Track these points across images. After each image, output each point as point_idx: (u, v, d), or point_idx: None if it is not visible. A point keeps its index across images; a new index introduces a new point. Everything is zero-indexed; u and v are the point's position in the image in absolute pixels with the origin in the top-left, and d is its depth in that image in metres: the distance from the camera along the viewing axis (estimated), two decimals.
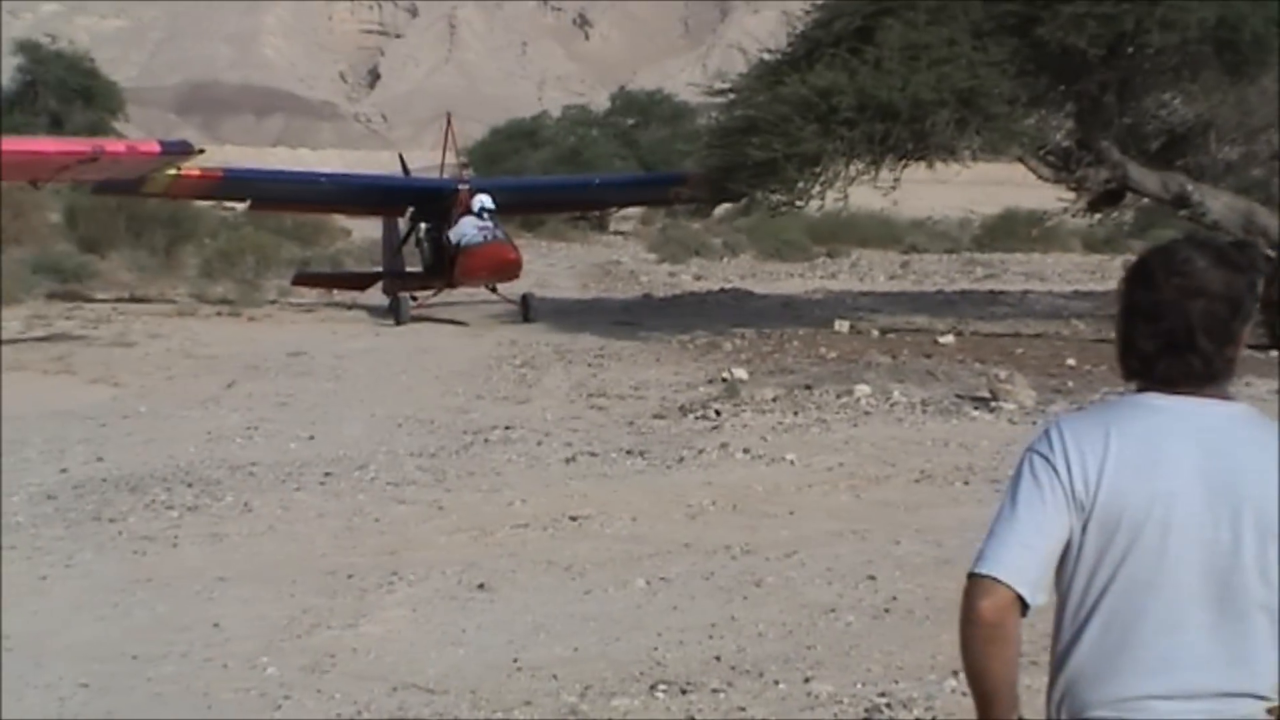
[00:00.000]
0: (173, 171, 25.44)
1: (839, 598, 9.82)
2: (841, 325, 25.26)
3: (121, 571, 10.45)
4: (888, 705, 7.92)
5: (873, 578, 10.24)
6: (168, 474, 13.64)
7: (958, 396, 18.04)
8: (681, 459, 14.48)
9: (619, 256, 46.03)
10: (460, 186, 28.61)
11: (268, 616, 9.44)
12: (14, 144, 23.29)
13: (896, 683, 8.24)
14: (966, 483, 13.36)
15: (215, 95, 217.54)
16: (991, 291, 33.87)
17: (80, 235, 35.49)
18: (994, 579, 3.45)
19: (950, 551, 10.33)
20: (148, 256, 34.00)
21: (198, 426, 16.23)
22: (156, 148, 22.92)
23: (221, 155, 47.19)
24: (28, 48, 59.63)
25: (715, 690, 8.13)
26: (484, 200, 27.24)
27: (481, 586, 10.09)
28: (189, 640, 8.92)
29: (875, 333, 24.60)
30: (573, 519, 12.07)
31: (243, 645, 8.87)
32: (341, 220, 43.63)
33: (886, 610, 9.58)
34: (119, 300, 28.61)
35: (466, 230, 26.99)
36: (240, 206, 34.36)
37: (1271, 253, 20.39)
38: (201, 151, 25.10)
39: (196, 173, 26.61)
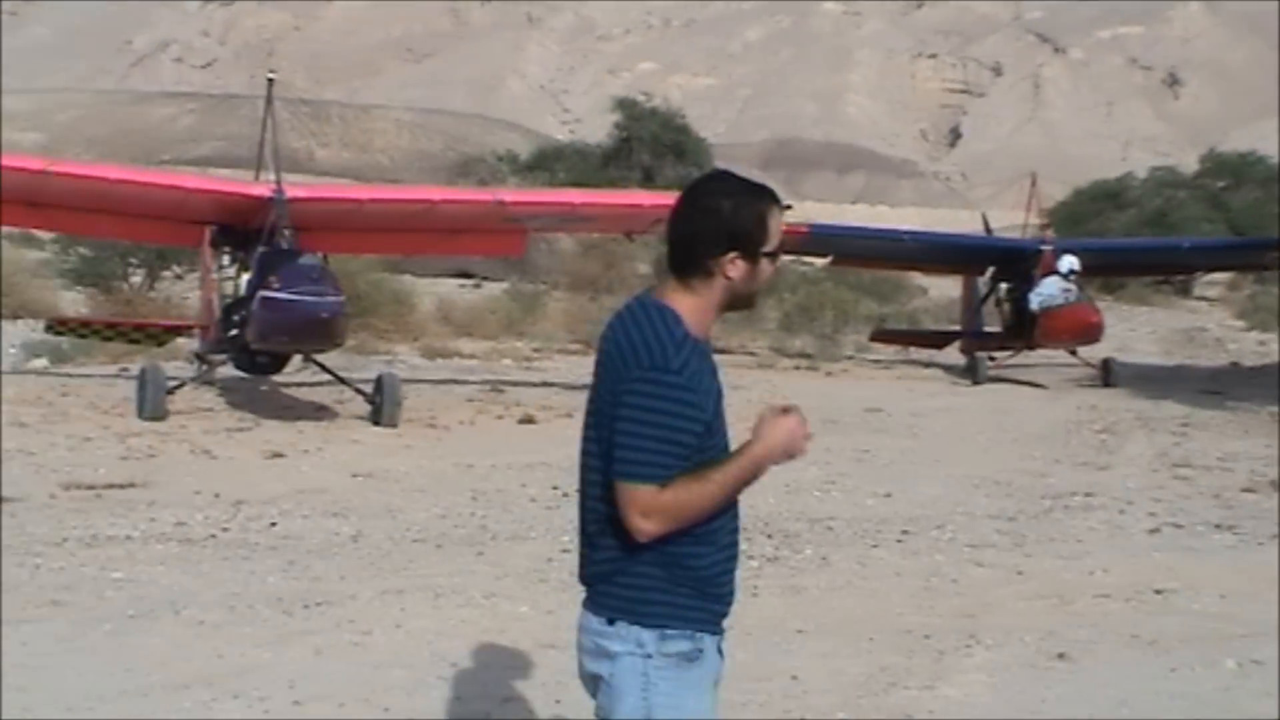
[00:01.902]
0: None
1: None
2: None
3: None
4: None
5: None
6: (748, 524, 13.80)
7: None
8: (1274, 536, 13.85)
9: (1204, 323, 44.59)
10: (1043, 247, 28.25)
11: (845, 672, 9.45)
12: (611, 198, 24.26)
13: None
14: None
15: (798, 152, 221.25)
16: None
17: None
18: None
19: None
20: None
21: (777, 478, 16.37)
22: None
23: (802, 211, 47.87)
24: (625, 105, 62.00)
25: None
26: (1071, 262, 26.80)
27: (1061, 656, 9.85)
28: (767, 690, 9.00)
29: None
30: (1157, 592, 11.68)
31: (821, 699, 8.90)
32: (919, 278, 43.67)
33: None
34: None
35: (1049, 291, 26.60)
36: (820, 262, 34.78)
37: None
38: (789, 207, 25.49)
39: (784, 228, 26.99)
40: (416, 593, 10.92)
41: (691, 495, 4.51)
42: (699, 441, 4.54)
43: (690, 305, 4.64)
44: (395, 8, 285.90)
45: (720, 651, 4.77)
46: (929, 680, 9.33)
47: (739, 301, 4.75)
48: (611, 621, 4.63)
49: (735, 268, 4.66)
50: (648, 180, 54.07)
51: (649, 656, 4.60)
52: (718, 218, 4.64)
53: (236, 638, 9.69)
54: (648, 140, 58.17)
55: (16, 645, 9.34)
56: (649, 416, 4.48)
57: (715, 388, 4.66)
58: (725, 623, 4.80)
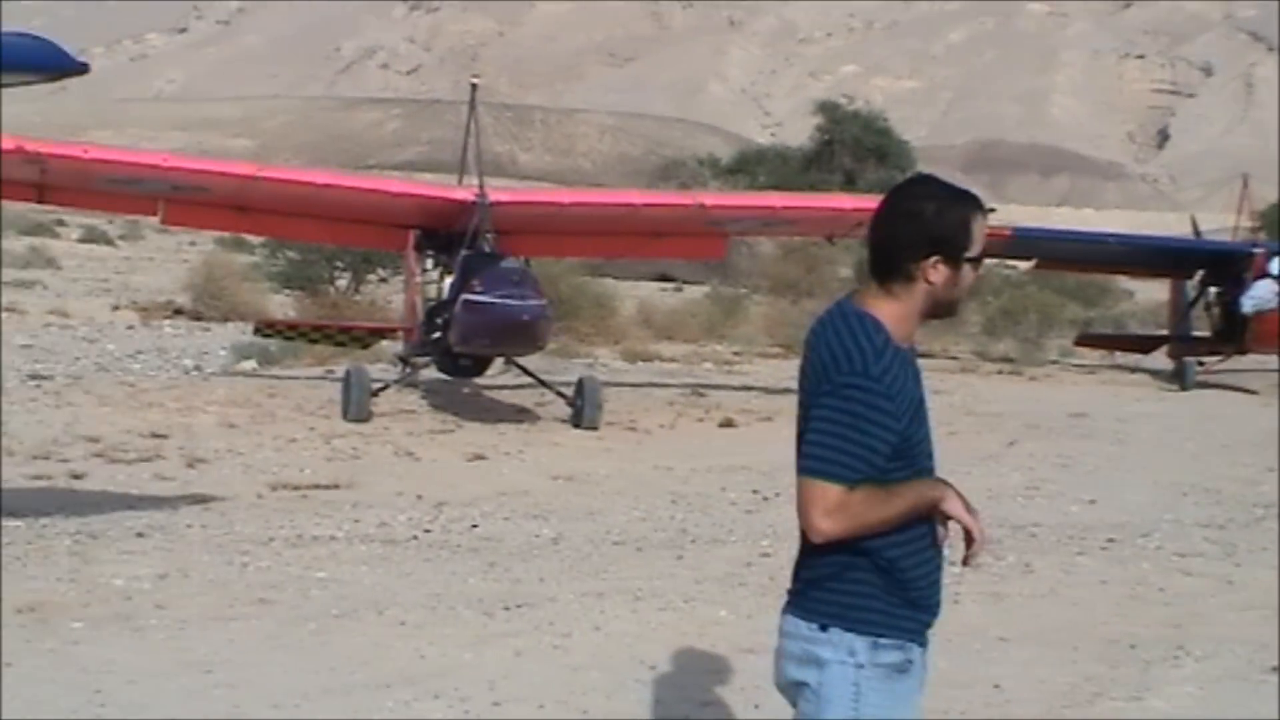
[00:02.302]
0: None
1: None
2: None
3: None
4: None
5: None
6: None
7: None
8: None
9: None
10: (1255, 250, 27.63)
11: (1049, 681, 9.30)
12: (812, 201, 24.16)
13: None
14: None
15: (1002, 154, 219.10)
16: None
17: None
18: None
19: None
20: None
21: (979, 483, 16.21)
22: None
23: (1006, 214, 47.37)
24: (827, 108, 61.77)
25: None
26: None
27: (1275, 669, 9.60)
28: (968, 698, 8.88)
29: None
30: None
31: (1024, 708, 8.76)
32: (1125, 282, 42.95)
33: None
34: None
35: (1262, 294, 26.01)
36: (1024, 266, 34.31)
37: None
38: (992, 210, 25.19)
39: (987, 232, 26.69)
40: (616, 595, 10.94)
41: (876, 505, 4.45)
42: (891, 450, 4.47)
43: (891, 311, 4.59)
44: (598, 12, 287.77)
45: (925, 664, 4.70)
46: (1136, 691, 9.15)
47: (940, 308, 4.67)
48: (824, 628, 4.57)
49: (937, 272, 4.59)
50: (849, 184, 53.76)
51: (861, 666, 4.54)
52: (920, 221, 4.58)
53: (438, 638, 9.78)
54: (849, 143, 57.87)
55: (224, 642, 9.52)
56: (844, 419, 4.44)
57: (916, 395, 4.59)
58: (929, 634, 4.73)
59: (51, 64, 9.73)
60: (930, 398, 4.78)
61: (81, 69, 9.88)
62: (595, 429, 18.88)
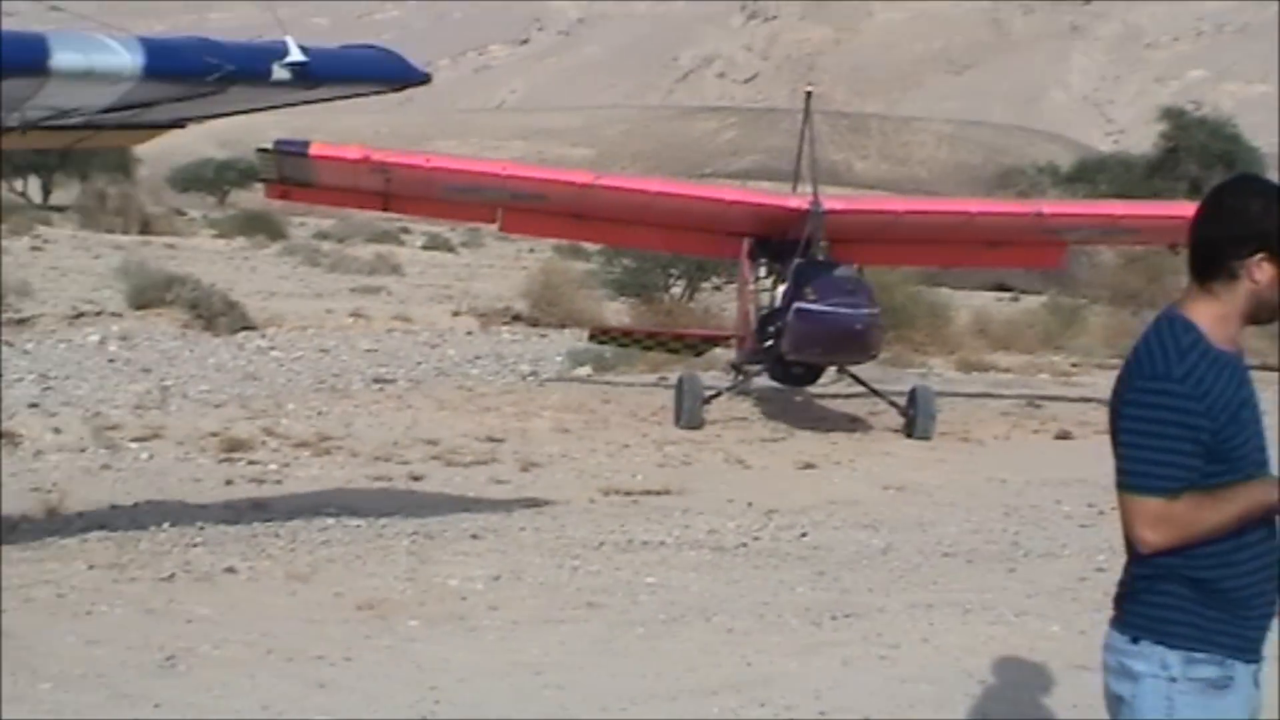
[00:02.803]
0: None
1: None
2: None
3: None
4: None
5: None
6: None
7: None
8: None
9: None
10: None
11: None
12: (1155, 209, 23.56)
13: None
14: None
15: None
16: None
17: None
18: None
19: None
20: None
21: None
22: None
23: None
24: (1172, 114, 60.23)
25: None
26: None
27: None
28: None
29: None
30: None
31: None
32: None
33: None
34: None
35: None
36: None
37: None
38: None
39: None
40: (945, 608, 10.82)
41: (1204, 511, 4.32)
42: (1207, 451, 4.33)
43: (1210, 311, 4.45)
44: (937, 19, 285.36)
45: (1256, 682, 4.53)
46: None
47: (1264, 310, 4.51)
48: (1135, 640, 4.46)
49: (1262, 271, 4.43)
50: (1194, 192, 52.20)
51: (1173, 680, 4.41)
52: (1245, 218, 4.44)
53: (765, 646, 9.78)
54: (1195, 150, 56.30)
55: (554, 644, 9.67)
56: (1150, 427, 4.32)
57: (1236, 397, 4.42)
58: (1266, 650, 4.56)
59: (396, 75, 10.06)
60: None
61: (424, 79, 10.18)
62: (928, 439, 18.70)
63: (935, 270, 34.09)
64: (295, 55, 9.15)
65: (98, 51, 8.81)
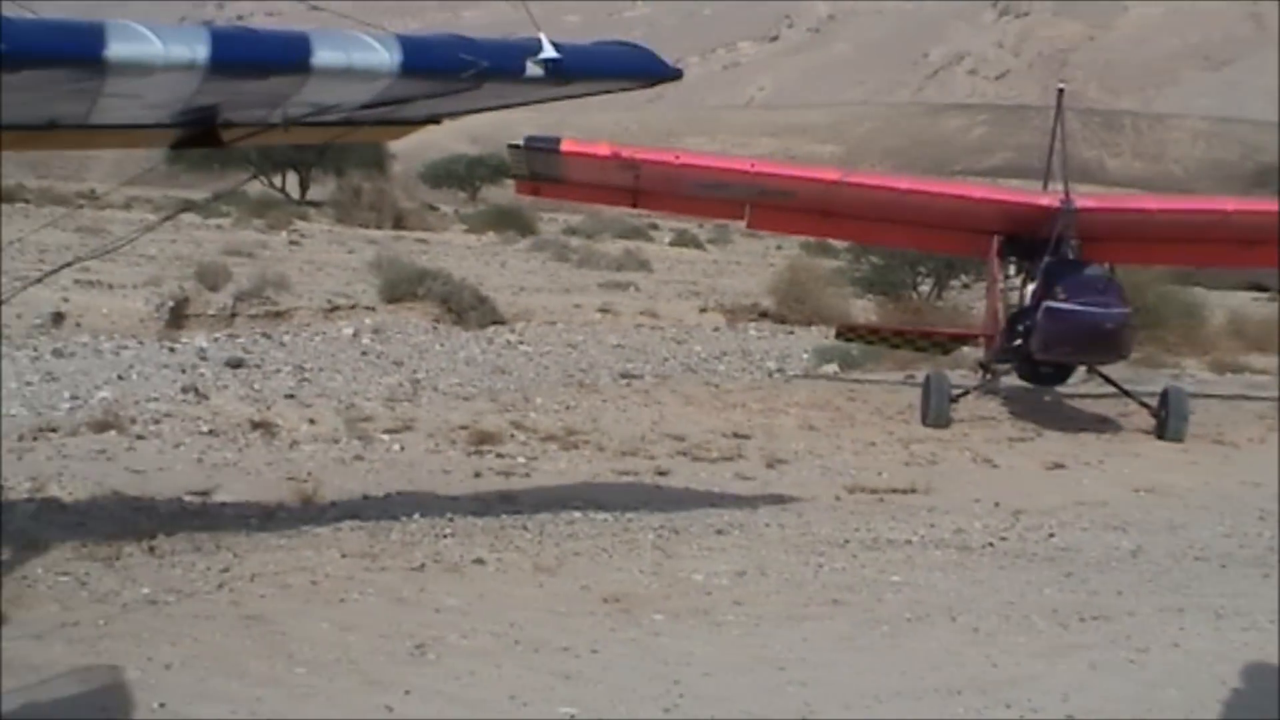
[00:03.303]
0: None
1: None
2: None
3: None
4: None
5: None
6: None
7: None
8: None
9: None
10: None
11: None
12: None
13: None
14: None
15: None
16: None
17: None
18: None
19: None
20: None
21: None
22: None
23: None
24: None
25: None
26: None
27: None
28: None
29: None
30: None
31: None
32: None
33: None
34: None
35: None
36: None
37: None
38: None
39: None
40: (1197, 612, 10.59)
41: None
42: None
43: None
44: (1193, 14, 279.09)
45: None
46: None
47: None
48: None
49: None
50: None
51: None
52: None
53: (1011, 647, 9.66)
54: None
55: (798, 641, 9.64)
56: None
57: None
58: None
59: (648, 71, 10.10)
60: None
61: (675, 75, 10.22)
62: (1180, 441, 18.30)
63: (1189, 270, 33.36)
64: (549, 52, 9.23)
65: (357, 49, 8.98)
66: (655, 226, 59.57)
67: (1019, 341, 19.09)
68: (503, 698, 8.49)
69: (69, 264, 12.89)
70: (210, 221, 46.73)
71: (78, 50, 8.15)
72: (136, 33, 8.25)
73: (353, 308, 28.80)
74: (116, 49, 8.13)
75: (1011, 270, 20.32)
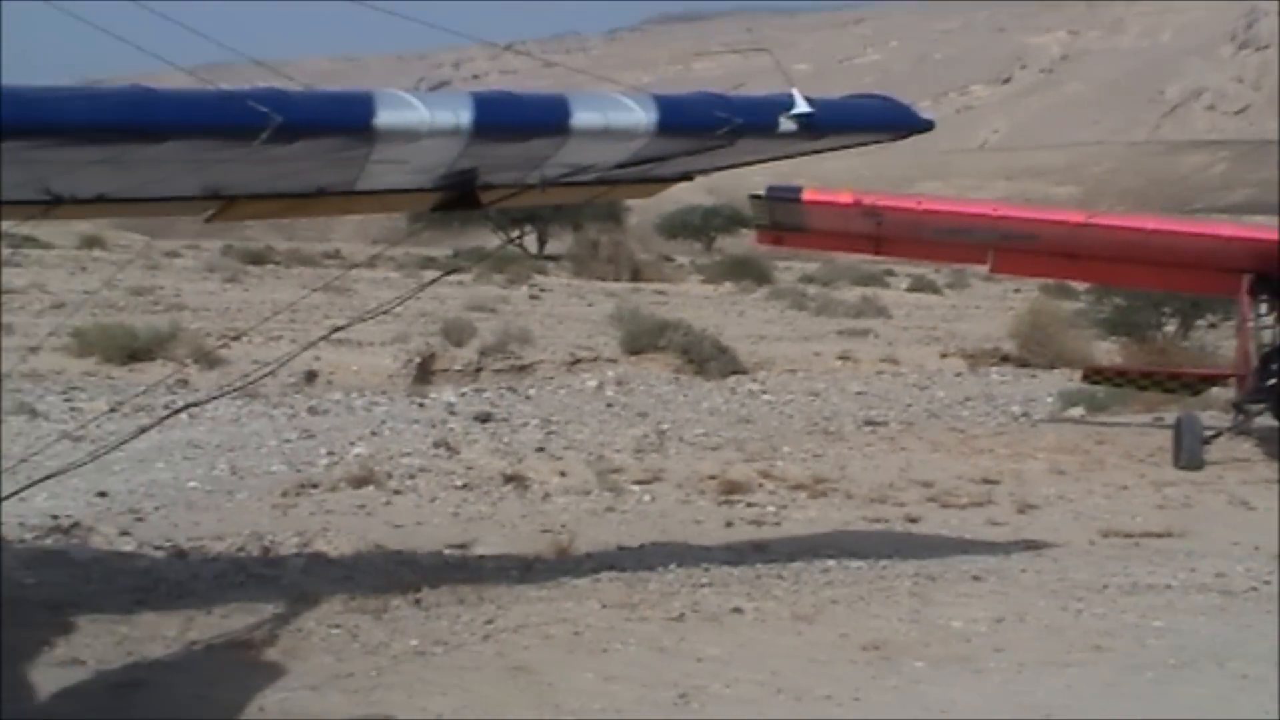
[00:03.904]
0: None
1: None
2: None
3: None
4: None
5: None
6: None
7: None
8: None
9: None
10: None
11: None
12: None
13: None
14: None
15: None
16: None
17: None
18: None
19: None
20: None
21: None
22: None
23: None
24: None
25: None
26: None
27: None
28: None
29: None
30: None
31: None
32: None
33: None
34: None
35: None
36: None
37: None
38: None
39: None
40: None
41: None
42: None
43: None
44: None
45: None
46: None
47: None
48: None
49: None
50: None
51: None
52: None
53: None
54: None
55: (1062, 687, 9.54)
56: None
57: None
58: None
59: (900, 123, 10.15)
60: None
61: (926, 126, 10.24)
62: None
63: None
64: (802, 107, 9.26)
65: (614, 110, 9.11)
66: (891, 273, 59.26)
67: (1273, 381, 18.70)
68: None
69: (339, 328, 13.22)
70: (452, 278, 47.47)
71: (348, 119, 8.41)
72: (403, 100, 8.49)
73: (595, 360, 29.08)
74: (384, 117, 8.37)
75: (1263, 309, 19.93)
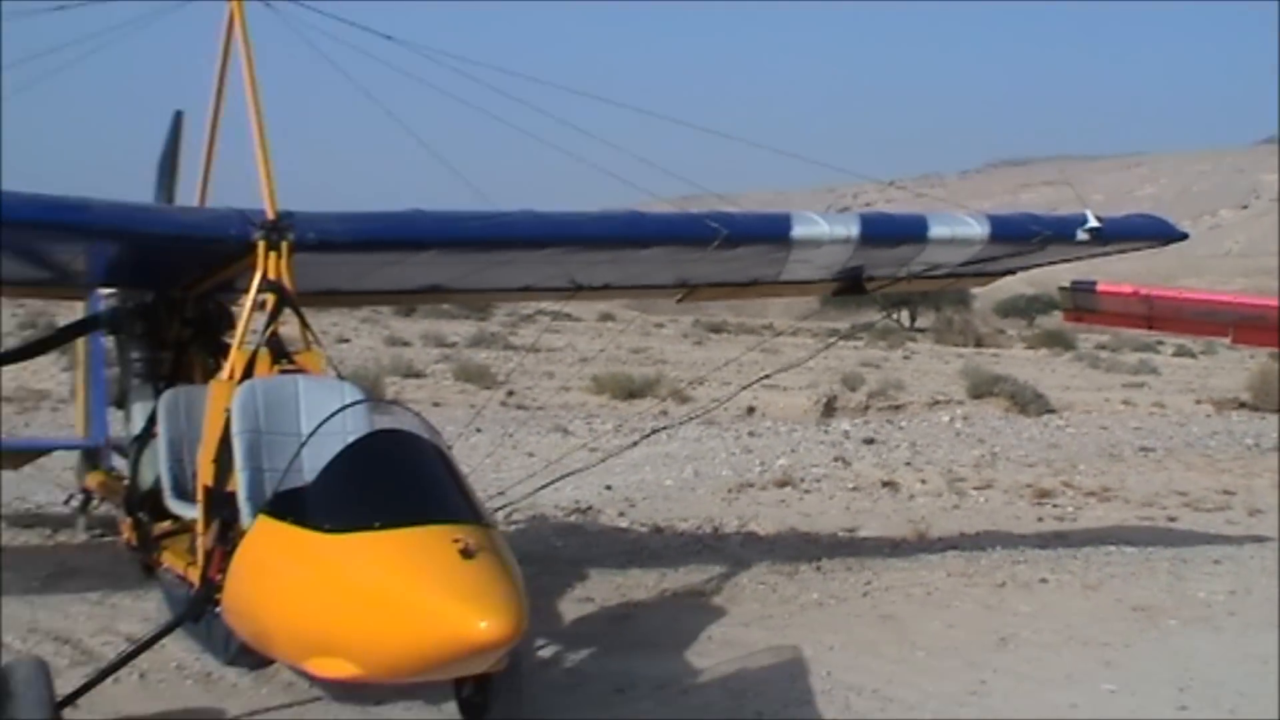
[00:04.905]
0: None
1: None
2: None
3: None
4: None
5: None
6: None
7: None
8: None
9: None
10: None
11: None
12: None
13: None
14: None
15: None
16: None
17: None
18: None
19: None
20: None
21: None
22: None
23: None
24: None
25: None
26: None
27: None
28: None
29: None
30: None
31: None
32: None
33: None
34: None
35: None
36: None
37: None
38: None
39: None
40: None
41: None
42: None
43: None
44: None
45: None
46: None
47: None
48: None
49: None
50: None
51: None
52: None
53: None
54: None
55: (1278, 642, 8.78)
56: None
57: None
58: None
59: (1162, 234, 9.70)
60: None
61: (1181, 237, 9.80)
62: None
63: None
64: (1093, 223, 9.08)
65: (959, 225, 8.96)
66: (1161, 343, 56.23)
67: None
68: (1061, 677, 8.12)
69: (765, 376, 13.21)
70: (848, 343, 47.08)
71: (773, 232, 8.46)
72: (811, 219, 8.44)
73: (948, 402, 28.33)
74: (799, 230, 8.35)
75: None
